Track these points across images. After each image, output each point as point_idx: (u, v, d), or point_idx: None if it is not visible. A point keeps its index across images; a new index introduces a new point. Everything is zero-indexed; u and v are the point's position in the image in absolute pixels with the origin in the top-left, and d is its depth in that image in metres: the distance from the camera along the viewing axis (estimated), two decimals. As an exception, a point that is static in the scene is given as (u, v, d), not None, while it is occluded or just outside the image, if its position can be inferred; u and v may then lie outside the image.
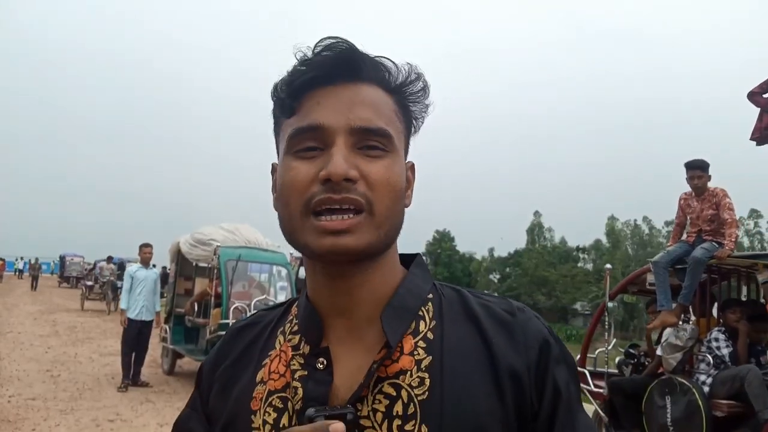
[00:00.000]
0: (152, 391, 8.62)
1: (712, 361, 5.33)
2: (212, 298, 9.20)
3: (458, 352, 0.73)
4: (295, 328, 0.80)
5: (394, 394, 0.70)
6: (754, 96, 5.68)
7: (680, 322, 5.74)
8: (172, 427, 0.88)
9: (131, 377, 8.80)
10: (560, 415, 0.72)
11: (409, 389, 0.70)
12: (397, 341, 0.72)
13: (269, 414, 0.74)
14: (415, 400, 0.69)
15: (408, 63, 0.78)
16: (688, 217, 5.90)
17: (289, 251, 10.66)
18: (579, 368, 6.93)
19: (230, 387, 0.81)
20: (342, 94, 0.72)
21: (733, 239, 5.42)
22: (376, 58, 0.75)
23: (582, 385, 6.73)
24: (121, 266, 22.75)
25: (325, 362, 0.73)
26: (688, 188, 5.82)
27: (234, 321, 8.10)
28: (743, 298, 6.38)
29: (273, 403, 0.75)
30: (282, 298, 9.52)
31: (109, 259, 24.33)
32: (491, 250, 57.13)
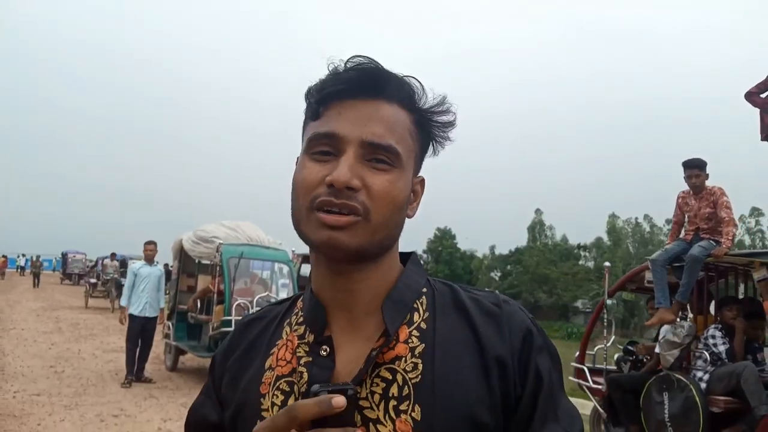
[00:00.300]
0: (155, 387, 8.69)
1: (709, 358, 5.40)
2: (215, 295, 9.27)
3: (449, 341, 0.80)
4: (301, 319, 0.87)
5: (390, 378, 0.77)
6: (751, 96, 5.73)
7: (678, 319, 5.81)
8: (188, 413, 0.95)
9: (134, 373, 8.88)
10: (542, 400, 0.78)
11: (403, 373, 0.77)
12: (396, 331, 0.79)
13: (277, 396, 0.81)
14: (410, 383, 0.76)
15: (443, 95, 0.85)
16: (686, 216, 5.96)
17: (291, 248, 10.74)
18: (578, 365, 7.00)
19: (240, 375, 0.87)
20: (362, 108, 0.79)
21: (730, 237, 5.47)
22: (404, 78, 0.82)
23: (581, 381, 6.83)
24: (123, 263, 22.73)
25: (328, 349, 0.80)
26: (686, 187, 5.88)
27: (236, 317, 8.25)
28: (740, 296, 6.44)
29: (280, 386, 0.81)
30: (284, 294, 9.57)
31: (113, 256, 23.95)
32: (492, 248, 57.10)
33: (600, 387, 6.49)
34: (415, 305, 0.83)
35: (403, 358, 0.78)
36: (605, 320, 7.08)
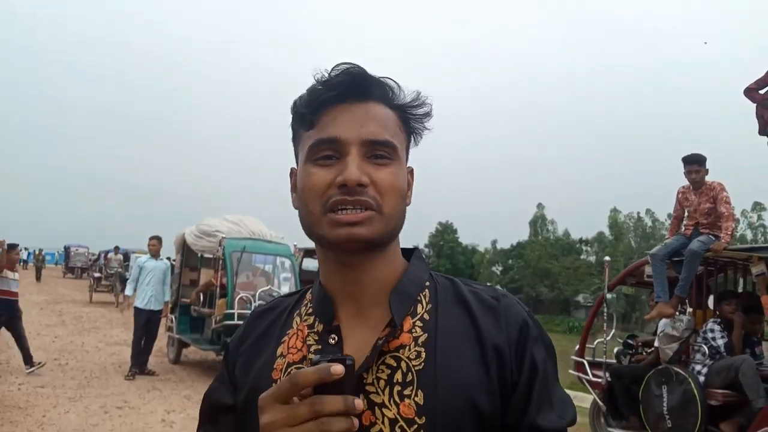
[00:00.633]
0: (159, 379, 8.76)
1: (707, 352, 5.44)
2: (217, 289, 9.32)
3: (450, 331, 0.85)
4: (310, 310, 0.92)
5: (395, 365, 0.82)
6: (750, 92, 5.76)
7: (677, 313, 5.85)
8: (203, 398, 1.00)
9: (138, 365, 8.95)
10: (537, 388, 0.84)
11: (407, 361, 0.82)
12: (401, 321, 0.85)
13: None
14: (413, 369, 0.81)
15: (417, 90, 0.91)
16: (686, 210, 5.99)
17: (293, 243, 10.79)
18: (578, 359, 7.05)
19: (253, 360, 0.93)
20: (355, 111, 0.84)
21: (729, 232, 5.51)
22: (382, 79, 0.88)
23: (581, 374, 6.87)
24: (126, 257, 22.76)
25: (336, 338, 0.86)
26: (686, 182, 5.91)
27: (239, 311, 8.31)
28: (739, 290, 6.48)
29: (291, 372, 0.85)
30: (286, 288, 9.63)
31: (116, 250, 23.76)
32: (494, 242, 57.06)
33: (599, 380, 6.54)
34: (419, 297, 0.89)
35: (407, 347, 0.83)
36: (605, 314, 7.13)
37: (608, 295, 7.04)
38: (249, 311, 8.58)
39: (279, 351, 0.90)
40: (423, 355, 0.83)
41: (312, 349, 0.87)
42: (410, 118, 0.91)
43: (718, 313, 5.77)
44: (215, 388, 0.98)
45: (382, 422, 0.79)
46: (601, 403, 6.50)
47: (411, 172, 0.94)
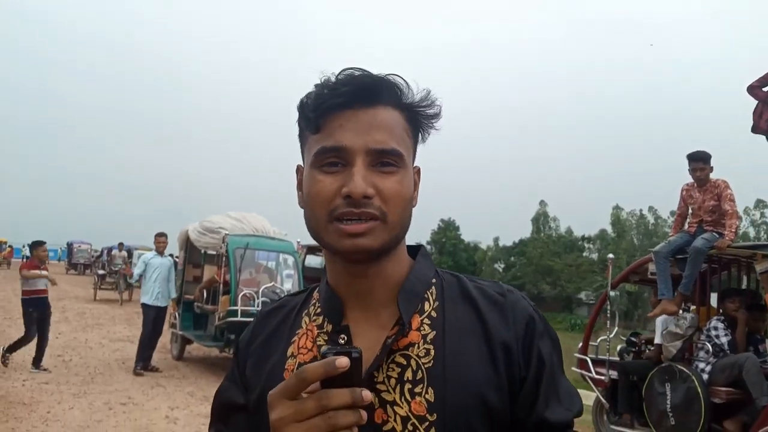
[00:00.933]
0: (162, 375, 8.79)
1: (711, 350, 5.44)
2: (220, 285, 9.33)
3: (458, 328, 0.86)
4: (319, 310, 0.93)
5: (405, 363, 0.83)
6: (753, 89, 5.75)
7: (680, 311, 5.85)
8: (214, 396, 1.00)
9: (142, 361, 8.98)
10: (545, 381, 0.85)
11: (417, 359, 0.83)
12: (409, 320, 0.85)
13: None
14: (423, 367, 0.82)
15: (426, 89, 0.90)
16: (690, 208, 5.99)
17: (296, 239, 10.80)
18: (581, 356, 7.05)
19: (264, 360, 0.93)
20: (361, 118, 0.83)
21: (733, 230, 5.50)
22: (391, 79, 0.86)
23: (584, 372, 6.88)
24: (129, 254, 22.68)
25: (345, 338, 0.86)
26: (690, 179, 5.91)
27: (242, 307, 8.32)
28: (743, 288, 6.47)
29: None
30: (289, 285, 9.65)
31: (121, 246, 23.24)
32: (496, 240, 57.10)
33: (603, 378, 6.54)
34: (426, 295, 0.89)
35: (416, 345, 0.84)
36: (608, 311, 7.12)
37: (611, 293, 7.03)
38: (252, 308, 8.67)
39: (289, 351, 0.91)
40: (432, 352, 0.83)
41: (322, 350, 0.88)
42: (419, 117, 0.90)
43: (721, 310, 5.76)
44: (226, 386, 0.98)
45: (395, 420, 0.80)
46: (604, 400, 6.50)
47: (418, 171, 0.94)
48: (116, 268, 21.39)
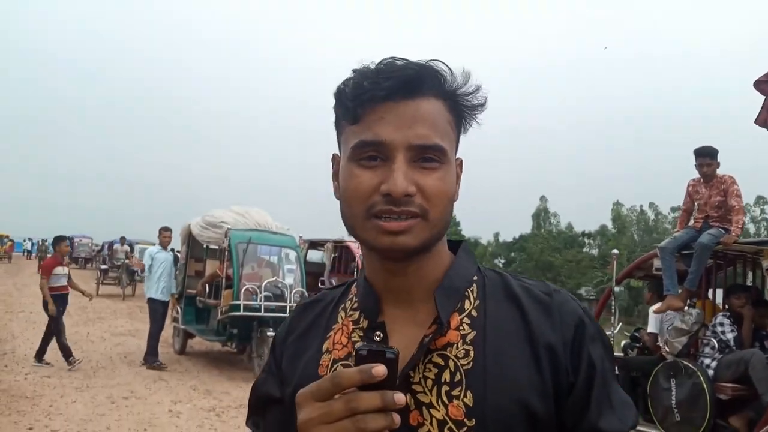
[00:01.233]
0: (164, 369, 8.79)
1: (716, 345, 5.42)
2: (223, 280, 9.34)
3: (499, 328, 0.82)
4: (355, 305, 0.90)
5: (443, 363, 0.79)
6: (760, 84, 5.69)
7: (686, 307, 5.83)
8: (251, 389, 0.99)
9: (144, 357, 8.99)
10: (596, 389, 0.80)
11: (455, 360, 0.79)
12: (448, 318, 0.82)
13: None
14: (461, 369, 0.79)
15: (468, 72, 0.85)
16: (696, 204, 5.95)
17: (298, 234, 10.78)
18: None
19: (300, 355, 0.92)
20: (403, 110, 0.79)
21: (739, 226, 5.48)
22: (433, 66, 0.82)
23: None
24: (131, 248, 22.62)
25: (381, 335, 0.83)
26: (696, 175, 5.87)
27: (244, 302, 8.31)
28: (748, 284, 6.45)
29: (337, 369, 0.84)
30: (290, 280, 9.64)
31: (123, 240, 23.01)
32: (496, 235, 57.14)
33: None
34: (466, 293, 0.85)
35: (455, 345, 0.80)
36: (612, 307, 7.11)
37: (616, 288, 7.01)
38: (254, 302, 8.66)
39: (324, 346, 0.89)
40: (471, 353, 0.80)
41: (357, 346, 0.85)
42: (462, 107, 0.85)
43: (727, 306, 5.74)
44: (263, 379, 0.97)
45: (431, 423, 0.77)
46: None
47: (460, 164, 0.89)
48: (118, 263, 20.95)
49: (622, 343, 7.29)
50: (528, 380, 0.78)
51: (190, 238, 10.53)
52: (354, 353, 0.69)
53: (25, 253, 48.71)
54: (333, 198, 0.88)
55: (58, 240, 9.13)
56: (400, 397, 0.64)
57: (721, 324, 5.47)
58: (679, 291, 5.80)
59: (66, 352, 8.40)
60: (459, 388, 0.78)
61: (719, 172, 5.73)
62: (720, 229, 5.58)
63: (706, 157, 5.67)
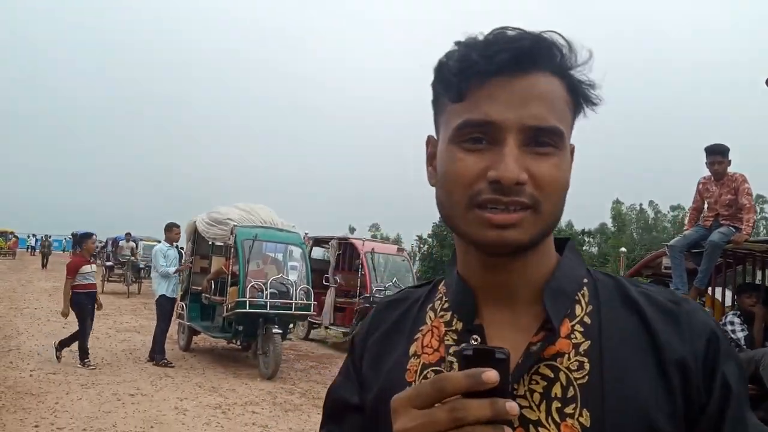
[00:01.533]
0: (171, 366, 8.78)
1: (727, 344, 5.40)
2: (228, 277, 9.32)
3: (618, 338, 0.72)
4: (446, 305, 0.82)
5: (552, 376, 0.70)
6: (776, 83, 5.66)
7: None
8: (327, 393, 0.92)
9: (150, 354, 8.99)
10: (730, 413, 0.69)
11: (567, 372, 0.70)
12: (560, 324, 0.73)
13: None
14: (575, 383, 0.69)
15: (588, 48, 0.74)
16: (706, 202, 5.92)
17: (304, 231, 10.76)
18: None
19: (383, 357, 0.84)
20: (516, 87, 0.69)
21: (750, 224, 5.45)
22: (550, 38, 0.71)
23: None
24: (136, 245, 22.47)
25: (478, 339, 0.74)
26: (706, 172, 5.84)
27: (250, 299, 8.30)
28: (758, 283, 6.42)
29: (428, 376, 0.76)
30: (294, 277, 9.62)
31: (128, 236, 22.12)
32: (498, 233, 57.21)
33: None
34: (577, 297, 0.76)
35: (566, 356, 0.71)
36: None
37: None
38: (260, 299, 8.63)
39: (412, 350, 0.81)
40: (586, 366, 0.70)
41: (451, 350, 0.76)
42: (583, 87, 0.74)
43: (737, 305, 5.72)
44: (340, 383, 0.90)
45: None
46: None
47: (572, 150, 0.78)
48: (124, 259, 20.25)
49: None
50: (654, 399, 0.68)
51: (195, 235, 10.51)
52: (457, 357, 0.61)
53: (29, 249, 48.81)
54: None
55: (84, 237, 9.05)
56: (513, 407, 0.56)
57: (732, 323, 5.44)
58: (689, 290, 5.78)
59: (84, 354, 8.39)
60: (573, 406, 0.68)
61: (730, 170, 5.70)
62: (731, 228, 5.56)
63: (717, 155, 5.64)
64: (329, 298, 12.22)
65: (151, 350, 9.01)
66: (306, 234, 11.09)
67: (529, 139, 0.69)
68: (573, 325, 0.73)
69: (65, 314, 8.41)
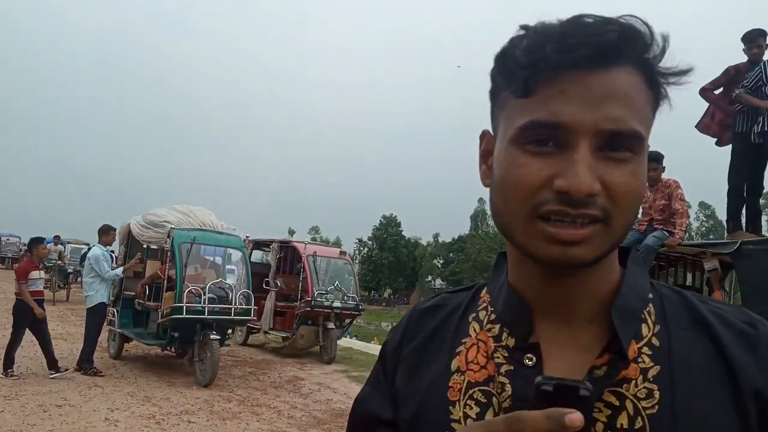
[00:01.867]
0: (101, 376, 8.40)
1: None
2: (164, 281, 9.02)
3: (690, 364, 0.65)
4: (493, 316, 0.74)
5: (617, 404, 0.63)
6: (705, 92, 5.92)
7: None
8: (354, 404, 0.84)
9: (77, 362, 8.58)
10: None
11: (634, 400, 0.63)
12: (628, 345, 0.65)
13: (470, 407, 0.69)
14: (643, 413, 0.63)
15: (667, 34, 0.64)
16: (640, 207, 6.12)
17: (245, 234, 10.54)
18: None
19: (420, 370, 0.76)
20: (592, 83, 0.60)
21: (683, 228, 5.66)
22: (635, 26, 0.62)
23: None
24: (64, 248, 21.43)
25: (534, 359, 0.67)
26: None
27: (187, 304, 8.04)
28: (688, 285, 6.69)
29: (474, 396, 0.70)
30: (232, 281, 9.41)
31: (57, 240, 20.75)
32: (436, 236, 57.95)
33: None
34: (643, 315, 0.68)
35: (633, 382, 0.64)
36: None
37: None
38: (198, 305, 8.38)
39: (454, 364, 0.73)
40: (656, 394, 0.63)
41: (502, 370, 0.68)
42: (663, 80, 0.65)
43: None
44: (368, 395, 0.81)
45: None
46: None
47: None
48: (50, 264, 18.35)
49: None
50: None
51: (129, 238, 10.13)
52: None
53: None
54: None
55: (35, 242, 8.58)
56: None
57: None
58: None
59: (8, 363, 7.95)
60: None
61: (664, 176, 5.91)
62: (664, 232, 5.76)
63: (652, 161, 5.83)
64: (269, 302, 12.03)
65: (79, 359, 8.59)
66: (247, 237, 10.85)
67: (603, 143, 0.61)
68: (640, 348, 0.66)
69: (41, 314, 8.01)
